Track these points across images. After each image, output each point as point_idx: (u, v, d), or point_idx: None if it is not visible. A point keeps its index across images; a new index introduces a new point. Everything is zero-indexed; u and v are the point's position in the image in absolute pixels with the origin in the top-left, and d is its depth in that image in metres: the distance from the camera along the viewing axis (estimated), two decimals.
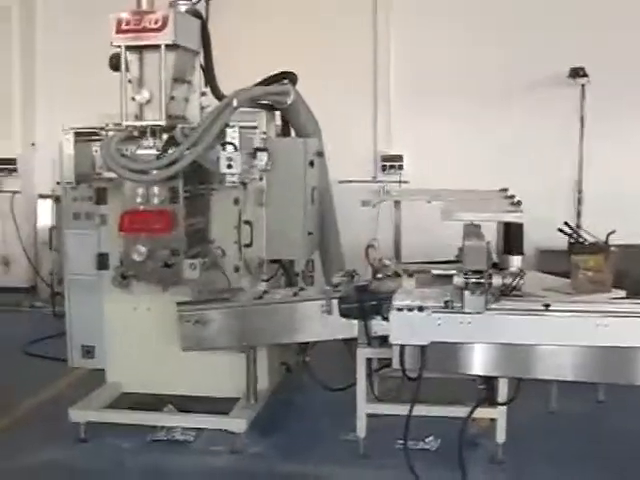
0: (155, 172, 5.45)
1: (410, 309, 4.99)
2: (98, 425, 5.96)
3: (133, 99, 5.64)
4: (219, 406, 6.11)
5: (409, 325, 4.98)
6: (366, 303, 5.40)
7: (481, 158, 9.77)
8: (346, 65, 10.03)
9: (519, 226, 4.95)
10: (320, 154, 6.59)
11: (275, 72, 6.38)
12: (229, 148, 5.50)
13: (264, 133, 6.12)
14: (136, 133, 5.62)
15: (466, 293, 4.81)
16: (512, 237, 4.92)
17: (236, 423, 5.77)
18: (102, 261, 6.23)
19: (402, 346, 5.04)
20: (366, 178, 10.06)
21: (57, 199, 7.72)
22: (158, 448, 5.89)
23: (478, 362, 5.05)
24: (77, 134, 5.76)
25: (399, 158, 10.09)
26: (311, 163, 6.19)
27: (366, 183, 9.91)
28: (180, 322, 5.82)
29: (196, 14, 5.91)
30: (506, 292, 4.82)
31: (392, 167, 10.05)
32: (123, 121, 5.58)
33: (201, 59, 6.03)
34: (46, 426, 6.15)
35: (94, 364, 6.54)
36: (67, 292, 6.49)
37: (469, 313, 4.87)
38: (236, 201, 5.96)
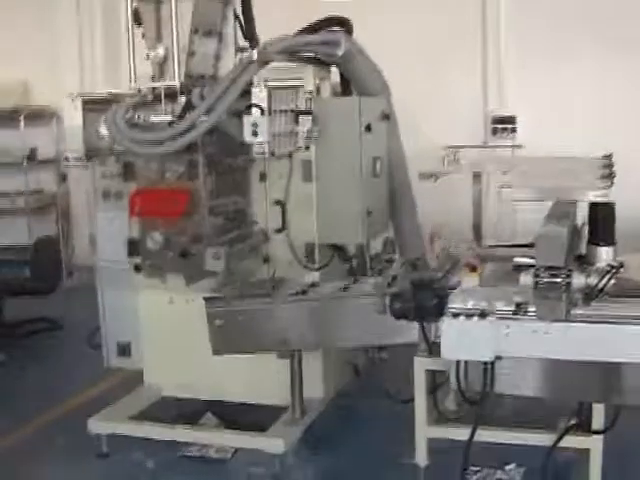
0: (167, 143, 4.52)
1: (469, 315, 3.86)
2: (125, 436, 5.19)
3: (147, 57, 4.75)
4: (267, 416, 5.20)
5: (467, 335, 3.83)
6: (425, 302, 4.29)
7: (612, 120, 8.27)
8: (450, 9, 8.71)
9: (608, 208, 3.69)
10: (386, 117, 5.45)
11: (324, 17, 5.29)
12: (255, 112, 4.50)
13: (310, 92, 5.06)
14: (150, 98, 4.72)
15: (538, 296, 3.64)
16: (599, 223, 3.67)
17: (273, 444, 4.82)
18: (133, 247, 5.36)
19: (459, 362, 3.94)
20: (474, 143, 8.76)
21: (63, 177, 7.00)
22: (187, 467, 5.04)
23: (558, 384, 3.87)
24: (86, 102, 4.92)
25: (512, 120, 8.75)
26: (368, 127, 5.07)
27: (475, 148, 8.62)
28: (208, 321, 4.90)
29: None
30: (591, 296, 3.61)
31: (504, 130, 8.73)
32: (131, 84, 4.69)
33: (238, 7, 5.05)
34: (71, 436, 5.40)
35: (131, 364, 5.76)
36: (99, 282, 5.71)
37: (546, 321, 3.70)
38: (262, 177, 4.95)
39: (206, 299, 4.89)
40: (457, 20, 8.70)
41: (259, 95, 4.51)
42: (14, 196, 9.18)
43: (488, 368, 3.90)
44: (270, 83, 4.78)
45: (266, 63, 4.64)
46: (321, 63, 5.22)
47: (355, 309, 4.57)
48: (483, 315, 3.82)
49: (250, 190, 5.25)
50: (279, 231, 5.03)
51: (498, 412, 4.31)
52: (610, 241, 3.67)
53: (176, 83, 4.60)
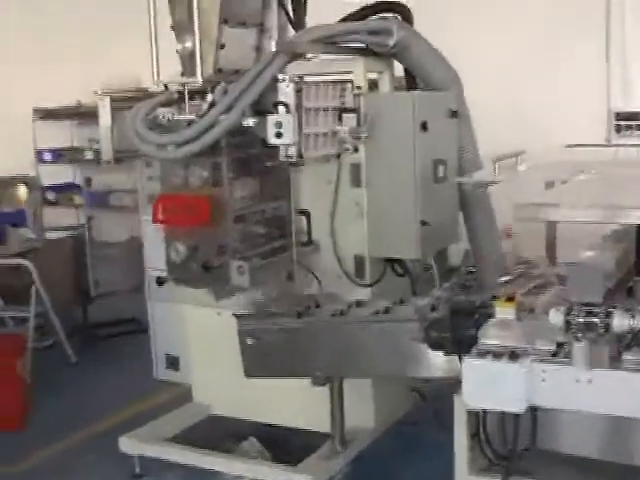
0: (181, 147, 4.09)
1: (497, 354, 3.22)
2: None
3: (177, 52, 4.36)
4: (316, 444, 4.71)
5: (493, 380, 3.20)
6: (462, 332, 3.67)
7: None
8: None
9: None
10: (454, 114, 4.81)
11: (375, 1, 4.69)
12: (281, 110, 4.01)
13: (358, 87, 4.50)
14: (176, 96, 4.32)
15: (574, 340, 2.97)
16: None
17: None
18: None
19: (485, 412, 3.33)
20: (596, 142, 7.86)
21: (88, 181, 6.68)
22: None
23: (609, 443, 3.19)
24: (114, 99, 4.58)
25: (638, 116, 7.77)
26: (423, 126, 4.45)
27: (597, 147, 7.73)
28: (239, 340, 4.45)
29: None
30: (636, 342, 2.88)
31: (629, 127, 7.78)
32: (154, 80, 4.30)
33: None
34: (108, 454, 5.10)
35: (180, 377, 5.42)
36: (148, 291, 5.39)
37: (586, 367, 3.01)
38: (282, 185, 4.42)
39: (237, 316, 4.47)
40: (577, 7, 7.80)
41: (285, 91, 4.00)
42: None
43: (518, 420, 3.27)
44: (311, 78, 4.30)
45: (298, 55, 4.14)
46: (375, 54, 4.63)
47: (389, 336, 4.01)
48: (514, 356, 3.19)
49: (298, 196, 4.76)
50: (305, 245, 4.49)
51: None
52: None
53: (197, 79, 4.16)
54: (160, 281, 4.42)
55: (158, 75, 4.31)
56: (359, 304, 4.41)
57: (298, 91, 4.05)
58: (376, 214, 4.60)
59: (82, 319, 7.48)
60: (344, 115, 4.38)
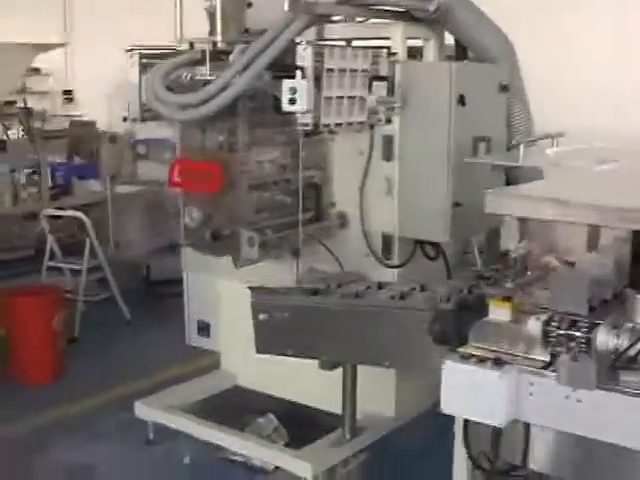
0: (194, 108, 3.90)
1: (481, 360, 2.91)
2: None
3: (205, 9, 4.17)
4: (334, 427, 4.51)
5: (473, 387, 2.89)
6: (466, 327, 3.35)
7: None
8: None
9: None
10: (504, 88, 4.42)
11: None
12: (297, 75, 3.75)
13: (391, 54, 4.17)
14: (199, 55, 4.12)
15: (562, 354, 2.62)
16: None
17: (301, 467, 4.11)
18: None
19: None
20: None
21: (113, 138, 6.48)
22: (223, 472, 4.49)
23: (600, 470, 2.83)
24: (144, 56, 4.41)
25: None
26: (461, 100, 4.09)
27: None
28: (252, 315, 4.26)
29: None
30: (620, 364, 2.50)
31: None
32: (177, 38, 4.13)
33: None
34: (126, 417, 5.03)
35: (209, 344, 5.29)
36: (184, 259, 5.27)
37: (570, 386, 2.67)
38: (292, 153, 4.14)
39: (252, 289, 4.27)
40: None
41: (302, 54, 3.74)
42: None
43: (499, 435, 2.95)
44: (341, 43, 4.02)
45: (322, 17, 3.87)
46: (419, 19, 4.29)
47: (395, 324, 3.73)
48: (500, 363, 2.86)
49: (330, 165, 4.51)
50: (311, 221, 4.21)
51: None
52: None
53: (217, 38, 3.95)
54: (173, 246, 4.27)
55: (182, 33, 4.14)
56: (380, 286, 4.15)
57: (318, 55, 3.78)
58: (407, 191, 4.30)
59: (144, 276, 7.47)
60: (374, 83, 4.08)
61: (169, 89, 4.04)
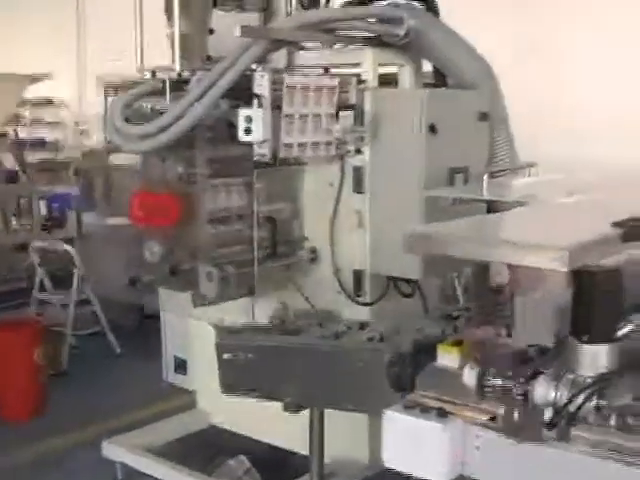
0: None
1: (425, 410, 2.68)
2: None
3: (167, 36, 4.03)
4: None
5: (415, 439, 2.67)
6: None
7: None
8: None
9: (606, 280, 2.22)
10: (483, 116, 4.21)
11: None
12: (255, 104, 3.59)
13: (360, 82, 3.99)
14: (160, 85, 3.97)
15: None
16: (584, 304, 2.23)
17: None
18: None
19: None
20: None
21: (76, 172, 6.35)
22: None
23: None
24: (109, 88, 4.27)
25: None
26: (431, 128, 3.89)
27: None
28: (217, 354, 4.07)
29: None
30: (557, 419, 2.26)
31: None
32: (137, 68, 3.99)
33: None
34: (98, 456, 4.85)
35: (186, 382, 5.10)
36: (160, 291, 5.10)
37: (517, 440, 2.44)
38: (245, 185, 3.94)
39: (217, 328, 4.09)
40: None
41: (259, 82, 3.58)
42: None
43: None
44: (309, 69, 3.86)
45: (282, 43, 3.70)
46: (387, 45, 4.10)
47: (352, 365, 3.52)
48: (443, 413, 2.64)
49: (300, 198, 4.32)
50: (268, 257, 4.01)
51: None
52: (602, 336, 2.24)
53: (174, 67, 3.81)
54: (132, 280, 4.11)
55: (142, 62, 4.00)
56: (350, 327, 3.95)
57: (275, 83, 3.62)
58: (379, 225, 4.09)
59: (136, 308, 7.31)
60: (340, 113, 3.90)
61: (129, 120, 3.91)
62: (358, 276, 4.18)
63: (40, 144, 9.13)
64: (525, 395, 2.29)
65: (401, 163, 3.99)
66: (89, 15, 10.24)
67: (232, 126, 3.73)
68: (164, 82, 3.90)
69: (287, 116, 3.68)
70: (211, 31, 3.92)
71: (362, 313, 4.17)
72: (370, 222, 4.11)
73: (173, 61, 3.91)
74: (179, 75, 3.97)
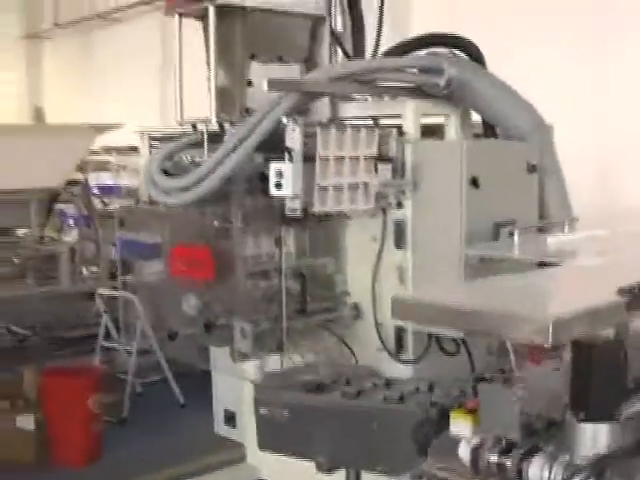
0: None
1: None
2: None
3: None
4: None
5: None
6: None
7: None
8: None
9: (607, 352, 2.03)
10: (532, 168, 4.04)
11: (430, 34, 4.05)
12: (286, 158, 3.54)
13: (401, 134, 3.89)
14: (199, 137, 3.99)
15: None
16: (583, 378, 2.04)
17: None
18: None
19: None
20: None
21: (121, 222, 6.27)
22: None
23: None
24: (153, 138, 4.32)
25: None
26: (473, 182, 3.75)
27: None
28: (255, 409, 4.00)
29: None
30: None
31: None
32: (176, 119, 4.01)
33: (340, 25, 4.13)
34: None
35: (236, 435, 5.03)
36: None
37: None
38: (275, 241, 3.85)
39: (255, 384, 4.03)
40: None
41: (291, 135, 3.53)
42: None
43: None
44: (351, 122, 3.80)
45: (315, 94, 3.65)
46: (430, 95, 4.00)
47: (385, 428, 3.39)
48: None
49: (343, 252, 4.23)
50: (299, 312, 3.90)
51: None
52: (601, 414, 2.05)
53: (211, 120, 3.80)
54: (170, 335, 4.08)
55: (182, 115, 4.01)
56: (388, 383, 3.82)
57: (308, 136, 3.56)
58: (420, 281, 3.96)
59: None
60: (379, 165, 3.80)
61: (168, 173, 3.92)
62: (400, 333, 4.05)
63: (117, 191, 9.28)
64: (520, 473, 2.12)
65: (442, 217, 3.87)
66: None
67: (267, 179, 3.70)
68: (203, 134, 3.92)
69: (320, 187, 3.62)
70: (250, 83, 3.91)
71: (404, 370, 4.04)
72: (412, 278, 3.99)
73: (211, 113, 3.91)
74: (220, 127, 3.98)
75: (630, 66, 6.19)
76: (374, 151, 3.76)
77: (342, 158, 3.68)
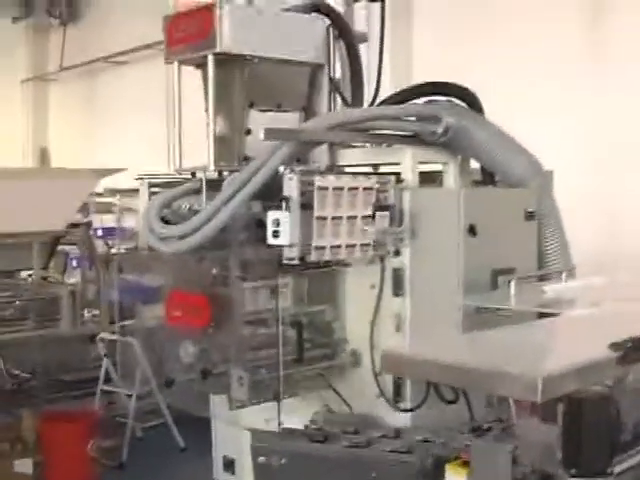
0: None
1: None
2: None
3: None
4: None
5: None
6: None
7: None
8: None
9: (597, 408, 2.03)
10: (530, 215, 4.05)
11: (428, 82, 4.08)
12: (283, 207, 3.54)
13: (399, 181, 3.89)
14: (197, 185, 4.00)
15: None
16: (575, 434, 2.03)
17: None
18: None
19: None
20: None
21: (120, 267, 6.27)
22: None
23: None
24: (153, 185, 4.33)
25: None
26: (471, 230, 3.76)
27: None
28: (252, 457, 3.97)
29: (321, 9, 4.06)
30: None
31: None
32: (174, 166, 4.03)
33: (339, 73, 4.17)
34: None
35: None
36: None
37: None
38: (272, 289, 3.84)
39: (253, 432, 3.99)
40: None
41: (288, 184, 3.54)
42: None
43: None
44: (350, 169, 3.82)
45: (312, 143, 3.67)
46: (428, 143, 4.01)
47: (382, 477, 3.36)
48: None
49: (341, 299, 4.22)
50: (296, 361, 3.88)
51: None
52: (592, 471, 2.03)
53: (209, 168, 3.82)
54: (168, 382, 4.06)
55: (180, 162, 4.03)
56: (386, 435, 3.79)
57: (307, 185, 3.57)
58: (419, 329, 3.95)
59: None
60: (377, 213, 3.80)
61: (166, 221, 3.93)
62: (398, 381, 4.02)
63: (120, 233, 9.31)
64: None
65: (440, 265, 3.87)
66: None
67: (265, 227, 3.70)
68: (201, 181, 3.93)
69: (319, 218, 3.62)
70: (248, 131, 3.92)
71: (403, 419, 4.01)
72: (410, 326, 3.97)
73: (209, 161, 3.93)
74: (219, 174, 3.99)
75: (630, 110, 6.25)
76: (370, 206, 3.76)
77: (339, 218, 3.68)
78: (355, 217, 3.76)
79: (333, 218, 3.68)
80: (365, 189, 3.76)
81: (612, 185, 6.09)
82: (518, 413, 2.76)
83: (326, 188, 3.61)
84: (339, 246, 3.73)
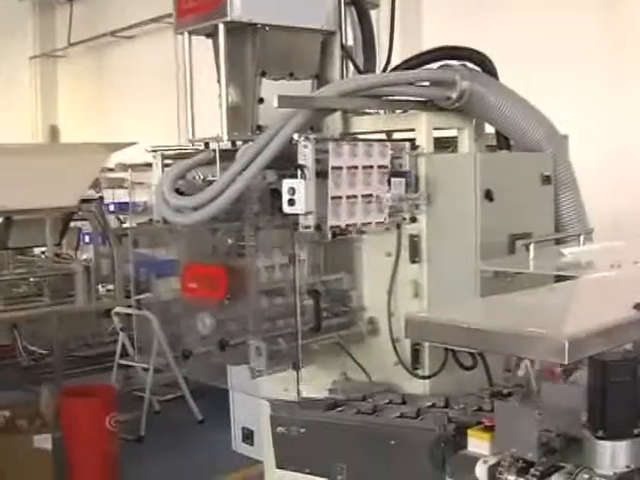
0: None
1: None
2: None
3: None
4: None
5: None
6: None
7: None
8: None
9: (622, 370, 2.00)
10: (546, 179, 4.01)
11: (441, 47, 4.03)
12: (299, 175, 3.51)
13: (414, 147, 3.86)
14: (212, 155, 3.97)
15: None
16: (600, 396, 2.00)
17: None
18: None
19: None
20: None
21: (135, 241, 6.24)
22: None
23: None
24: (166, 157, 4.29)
25: None
26: (487, 195, 3.72)
27: None
28: (271, 427, 3.97)
29: None
30: None
31: None
32: (188, 137, 4.00)
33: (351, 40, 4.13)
34: None
35: (254, 452, 5.01)
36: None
37: None
38: (289, 258, 3.82)
39: (272, 402, 4.00)
40: None
41: (303, 152, 3.50)
42: None
43: None
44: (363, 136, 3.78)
45: (326, 110, 3.63)
46: (443, 109, 3.97)
47: (400, 446, 3.35)
48: None
49: (359, 267, 4.20)
50: (313, 330, 3.86)
51: None
52: (619, 432, 2.02)
53: (222, 138, 3.79)
54: (185, 354, 4.05)
55: (194, 132, 4.00)
56: (404, 400, 3.79)
57: (321, 152, 3.54)
58: (435, 296, 3.93)
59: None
60: (392, 179, 3.77)
61: (181, 192, 3.90)
62: (416, 348, 4.01)
63: (132, 207, 9.30)
64: None
65: (457, 231, 3.83)
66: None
67: (280, 196, 3.67)
68: (215, 152, 3.90)
69: (334, 198, 3.58)
70: (261, 100, 3.88)
71: (421, 386, 4.00)
72: (427, 292, 3.95)
73: (222, 131, 3.90)
74: (233, 144, 3.96)
75: None
76: (387, 162, 3.73)
77: (355, 168, 3.64)
78: (370, 195, 3.73)
79: (348, 197, 3.66)
80: (380, 167, 3.72)
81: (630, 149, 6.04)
82: (537, 378, 2.75)
83: (340, 168, 3.58)
84: (354, 225, 3.70)
